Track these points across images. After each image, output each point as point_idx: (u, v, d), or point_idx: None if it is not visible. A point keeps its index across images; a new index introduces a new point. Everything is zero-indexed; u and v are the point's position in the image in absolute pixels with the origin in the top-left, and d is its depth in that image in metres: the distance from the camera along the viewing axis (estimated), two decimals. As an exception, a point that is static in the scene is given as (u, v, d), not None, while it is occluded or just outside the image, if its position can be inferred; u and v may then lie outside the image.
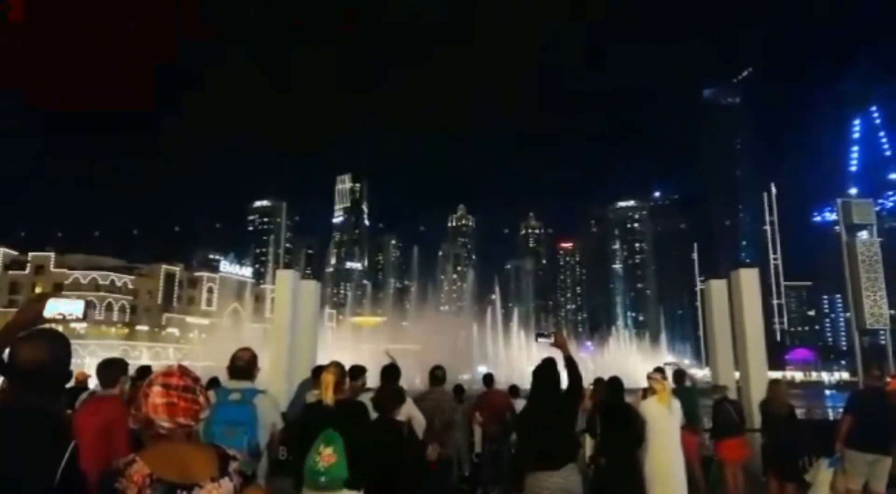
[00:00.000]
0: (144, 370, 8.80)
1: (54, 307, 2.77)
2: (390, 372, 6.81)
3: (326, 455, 4.36)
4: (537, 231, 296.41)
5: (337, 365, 5.31)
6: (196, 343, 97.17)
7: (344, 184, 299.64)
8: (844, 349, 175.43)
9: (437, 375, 8.64)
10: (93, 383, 9.67)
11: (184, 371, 2.33)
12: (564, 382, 5.45)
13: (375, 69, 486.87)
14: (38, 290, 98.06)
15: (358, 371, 6.58)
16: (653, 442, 6.81)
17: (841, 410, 9.25)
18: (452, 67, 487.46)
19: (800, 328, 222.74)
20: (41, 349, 2.40)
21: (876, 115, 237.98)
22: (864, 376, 9.36)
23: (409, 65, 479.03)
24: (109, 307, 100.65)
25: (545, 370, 5.33)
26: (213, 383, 5.49)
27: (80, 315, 2.83)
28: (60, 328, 3.09)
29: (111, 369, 5.04)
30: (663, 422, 6.93)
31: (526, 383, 6.45)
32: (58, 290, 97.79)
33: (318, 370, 7.37)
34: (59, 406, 2.47)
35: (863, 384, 8.70)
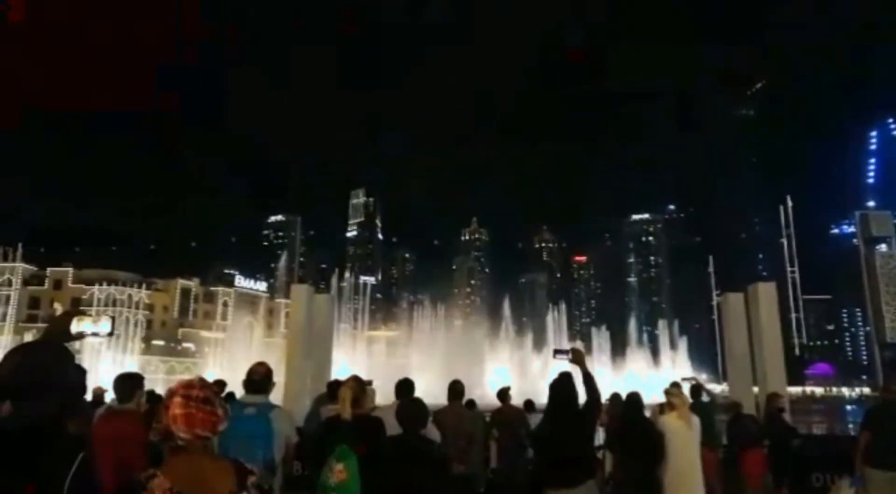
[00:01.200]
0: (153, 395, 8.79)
1: (84, 326, 2.81)
2: (405, 387, 6.78)
3: (338, 472, 4.34)
4: (551, 245, 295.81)
5: (355, 380, 5.31)
6: (211, 357, 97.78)
7: (358, 198, 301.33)
8: (865, 363, 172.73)
9: (455, 389, 8.48)
10: (109, 397, 9.73)
11: (203, 384, 2.35)
12: (582, 397, 5.42)
13: (385, 78, 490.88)
14: (56, 305, 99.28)
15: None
16: (672, 458, 6.72)
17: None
18: (466, 79, 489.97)
19: (819, 343, 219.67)
20: (17, 362, 2.37)
21: (893, 126, 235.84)
22: (881, 390, 9.14)
23: (424, 77, 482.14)
24: (126, 322, 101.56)
25: (561, 384, 5.29)
26: (229, 398, 5.51)
27: (108, 332, 2.88)
28: (77, 344, 3.11)
29: (128, 383, 5.07)
30: (682, 438, 6.83)
31: (540, 397, 6.41)
32: (75, 305, 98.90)
33: (333, 385, 7.37)
34: (48, 418, 2.42)
35: (882, 399, 8.50)
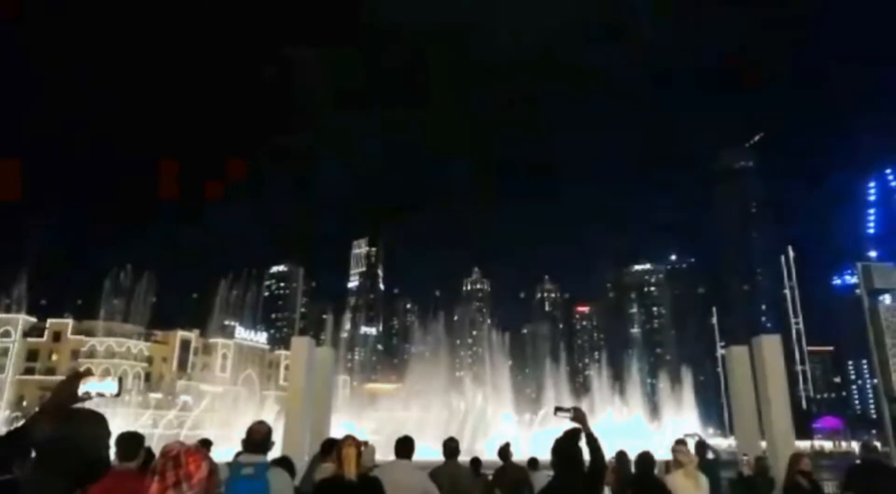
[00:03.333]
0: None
1: (89, 386, 2.83)
2: (405, 446, 6.65)
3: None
4: (553, 295, 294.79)
5: (355, 439, 5.24)
6: (208, 411, 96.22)
7: (360, 248, 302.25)
8: (874, 416, 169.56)
9: (449, 447, 8.30)
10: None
11: (176, 463, 2.33)
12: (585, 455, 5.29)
13: (389, 130, 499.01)
14: (54, 357, 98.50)
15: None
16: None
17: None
18: (468, 131, 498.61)
19: (826, 395, 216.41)
20: (62, 429, 2.40)
21: (891, 177, 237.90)
22: (861, 448, 8.93)
23: (423, 126, 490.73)
24: (125, 374, 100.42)
25: (566, 444, 5.18)
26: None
27: (115, 393, 2.90)
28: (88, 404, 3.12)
29: (130, 442, 4.97)
30: (689, 498, 6.68)
31: (543, 449, 6.29)
32: (74, 357, 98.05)
33: (327, 444, 7.26)
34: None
35: (860, 459, 8.31)
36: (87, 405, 3.08)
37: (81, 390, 2.81)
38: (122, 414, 77.89)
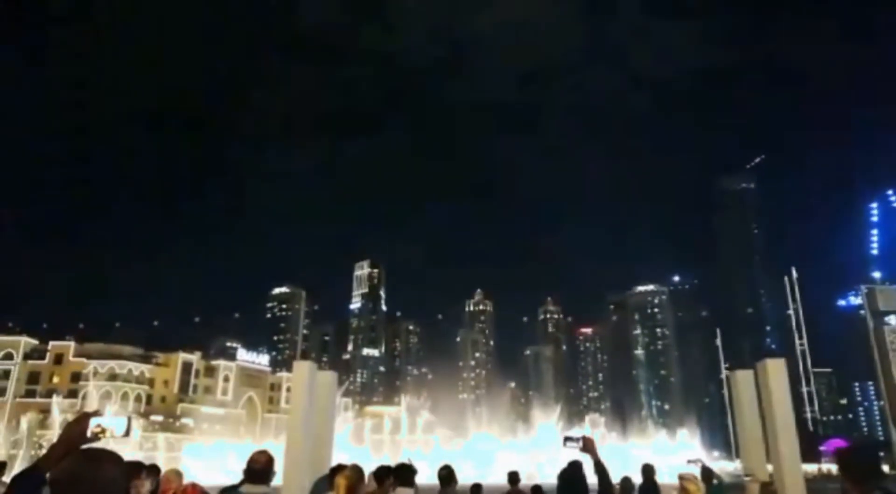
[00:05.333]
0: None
1: (97, 424, 2.85)
2: (404, 473, 6.57)
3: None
4: (556, 316, 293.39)
5: (353, 468, 5.18)
6: (208, 434, 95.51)
7: (362, 270, 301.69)
8: (882, 438, 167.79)
9: (442, 476, 8.21)
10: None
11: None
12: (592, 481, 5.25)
13: (388, 151, 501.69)
14: (55, 380, 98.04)
15: (384, 473, 6.42)
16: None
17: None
18: (463, 154, 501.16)
19: (833, 417, 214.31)
20: (82, 471, 2.39)
21: (892, 198, 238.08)
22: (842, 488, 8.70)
23: (426, 150, 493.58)
24: (125, 397, 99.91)
25: (572, 474, 5.14)
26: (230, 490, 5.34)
27: (124, 432, 2.90)
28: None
29: (129, 471, 4.94)
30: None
31: (546, 473, 6.23)
32: (75, 380, 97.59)
33: (336, 470, 7.19)
34: None
35: None
36: (96, 445, 3.07)
37: (90, 430, 2.84)
38: (122, 440, 77.28)
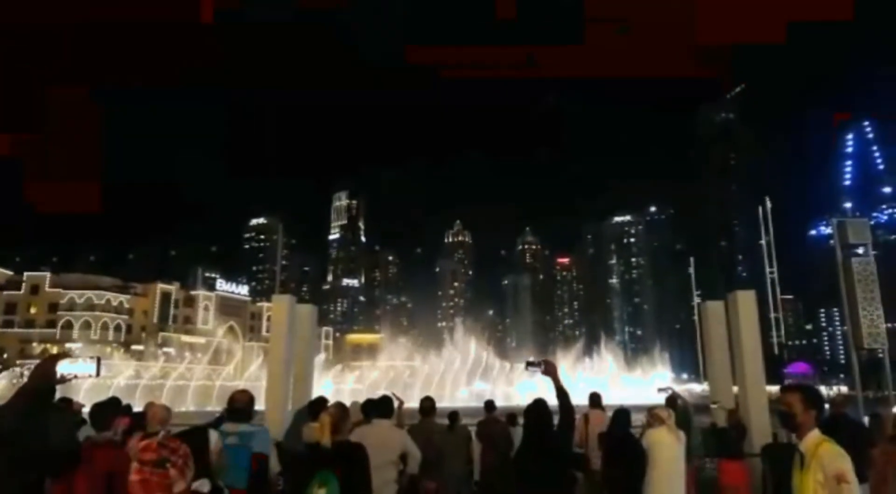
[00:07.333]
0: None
1: (67, 368, 2.85)
2: (382, 405, 6.67)
3: (320, 495, 4.31)
4: (534, 247, 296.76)
5: (337, 405, 5.24)
6: (192, 362, 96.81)
7: (340, 201, 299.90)
8: (843, 362, 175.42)
9: (424, 407, 8.58)
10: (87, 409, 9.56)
11: (160, 445, 2.37)
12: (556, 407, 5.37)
13: (371, 87, 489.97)
14: (33, 310, 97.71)
15: (369, 406, 6.58)
16: (657, 471, 6.72)
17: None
18: (452, 94, 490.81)
19: (797, 342, 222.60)
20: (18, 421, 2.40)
21: (868, 129, 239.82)
22: (829, 403, 9.16)
23: (408, 85, 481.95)
24: (105, 327, 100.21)
25: (537, 411, 5.24)
26: (219, 421, 5.41)
27: (94, 374, 2.92)
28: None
29: (104, 411, 4.96)
30: (671, 451, 6.84)
31: (523, 400, 6.40)
32: (53, 310, 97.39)
33: (315, 404, 7.31)
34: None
35: (828, 412, 8.56)
36: (67, 385, 3.08)
37: (59, 371, 2.83)
38: (106, 366, 78.12)
